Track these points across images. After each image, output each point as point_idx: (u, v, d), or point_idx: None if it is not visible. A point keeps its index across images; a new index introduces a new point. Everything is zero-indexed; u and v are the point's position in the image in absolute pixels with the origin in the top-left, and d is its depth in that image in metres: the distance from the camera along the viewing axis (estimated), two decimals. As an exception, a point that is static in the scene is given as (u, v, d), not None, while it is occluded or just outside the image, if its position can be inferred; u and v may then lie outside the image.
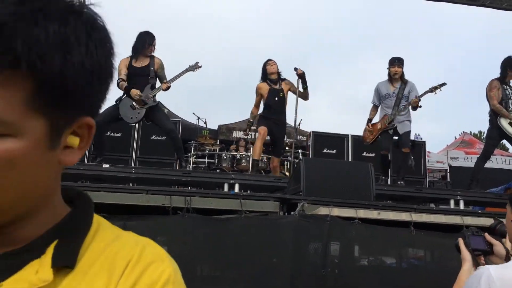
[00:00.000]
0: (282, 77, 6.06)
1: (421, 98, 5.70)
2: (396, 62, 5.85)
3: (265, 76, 5.99)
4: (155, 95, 5.31)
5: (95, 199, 2.74)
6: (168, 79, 5.40)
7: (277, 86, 5.95)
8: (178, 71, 5.53)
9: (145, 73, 5.30)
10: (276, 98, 5.90)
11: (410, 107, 5.76)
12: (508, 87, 5.74)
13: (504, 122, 5.60)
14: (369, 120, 6.03)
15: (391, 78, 5.88)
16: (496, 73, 5.85)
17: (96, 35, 0.56)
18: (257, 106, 6.15)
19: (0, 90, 0.50)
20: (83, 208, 0.64)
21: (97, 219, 0.64)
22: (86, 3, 0.58)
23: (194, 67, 5.53)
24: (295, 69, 5.94)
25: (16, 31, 0.49)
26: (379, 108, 5.97)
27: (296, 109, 6.07)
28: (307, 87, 6.00)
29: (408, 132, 5.79)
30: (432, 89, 5.78)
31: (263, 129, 5.86)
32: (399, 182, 5.69)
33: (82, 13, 0.56)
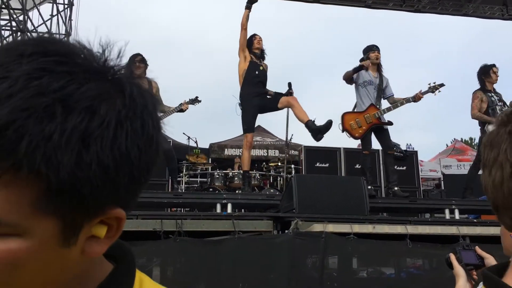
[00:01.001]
0: (264, 56, 5.90)
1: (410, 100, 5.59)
2: (375, 48, 5.71)
3: (250, 47, 5.76)
4: None
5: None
6: (165, 104, 5.64)
7: (258, 61, 5.77)
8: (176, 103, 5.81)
9: None
10: (257, 72, 5.69)
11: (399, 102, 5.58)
12: (493, 94, 5.78)
13: (491, 129, 5.60)
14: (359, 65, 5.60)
15: (370, 65, 5.66)
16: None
17: (131, 124, 0.48)
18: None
19: (1, 192, 0.44)
20: (124, 267, 0.59)
21: (139, 276, 0.60)
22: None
23: (195, 101, 5.84)
24: (289, 85, 5.78)
25: (25, 129, 0.42)
26: (358, 93, 5.65)
27: (287, 125, 6.01)
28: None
29: (388, 132, 5.64)
30: (433, 89, 5.66)
31: (250, 136, 5.63)
32: (396, 189, 5.40)
33: (119, 96, 0.48)
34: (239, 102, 5.65)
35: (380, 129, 5.53)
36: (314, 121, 5.23)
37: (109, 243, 0.52)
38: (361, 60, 5.74)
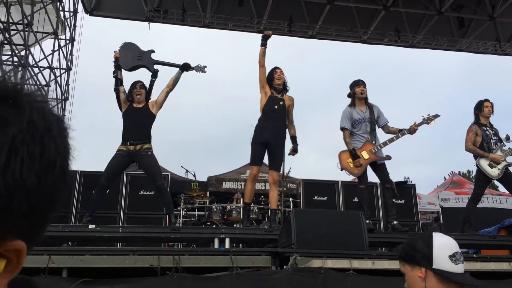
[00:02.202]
0: (287, 89, 5.70)
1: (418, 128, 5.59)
2: (361, 82, 5.68)
3: (271, 82, 5.58)
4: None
5: (80, 264, 2.63)
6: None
7: (280, 96, 5.58)
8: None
9: (141, 113, 5.54)
10: (276, 106, 5.49)
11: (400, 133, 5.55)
12: (488, 128, 5.85)
13: (483, 163, 5.65)
14: (353, 149, 5.45)
15: (357, 101, 5.64)
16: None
17: (28, 149, 0.46)
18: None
19: None
20: None
21: None
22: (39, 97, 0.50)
23: (201, 68, 5.73)
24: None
25: None
26: (351, 133, 5.58)
27: (284, 158, 6.01)
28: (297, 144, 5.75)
29: (385, 166, 5.60)
30: (427, 120, 5.65)
31: (255, 169, 5.47)
32: (395, 223, 5.36)
33: (16, 121, 0.46)
34: (253, 133, 5.52)
35: (378, 164, 5.52)
36: None
37: (8, 278, 0.49)
38: (348, 96, 5.77)
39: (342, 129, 5.60)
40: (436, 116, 5.73)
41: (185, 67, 5.66)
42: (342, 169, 5.55)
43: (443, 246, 1.57)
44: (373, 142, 5.55)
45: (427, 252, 1.56)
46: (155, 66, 5.68)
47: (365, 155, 5.45)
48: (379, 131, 5.75)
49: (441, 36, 11.53)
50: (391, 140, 5.56)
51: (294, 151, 5.63)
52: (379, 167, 5.54)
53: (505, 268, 4.10)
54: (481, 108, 5.89)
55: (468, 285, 1.54)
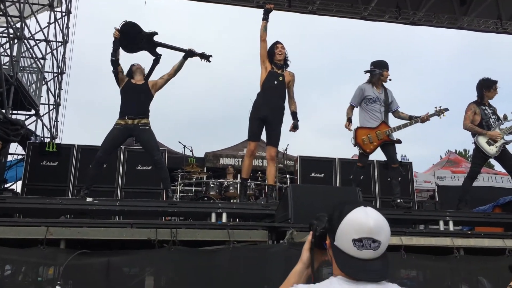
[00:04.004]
0: (288, 64, 5.60)
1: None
2: (387, 66, 5.77)
3: (271, 57, 5.50)
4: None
5: (78, 236, 2.65)
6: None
7: (280, 71, 5.49)
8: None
9: (140, 90, 5.46)
10: (276, 82, 5.41)
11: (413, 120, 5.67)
12: (487, 107, 5.86)
13: (481, 140, 5.70)
14: (349, 119, 5.65)
15: (377, 83, 5.73)
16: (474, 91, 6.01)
17: None
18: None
19: None
20: None
21: None
22: None
23: (205, 57, 5.60)
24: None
25: None
26: (362, 110, 5.69)
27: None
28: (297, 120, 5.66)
29: (395, 147, 5.72)
30: (439, 113, 5.73)
31: (252, 145, 5.42)
32: (399, 201, 5.47)
33: None
34: (251, 109, 5.43)
35: (388, 144, 5.63)
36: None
37: None
38: (369, 72, 5.77)
39: (350, 105, 5.74)
40: (446, 109, 5.80)
41: (190, 53, 5.52)
42: (355, 145, 5.67)
43: (351, 226, 1.34)
44: (387, 124, 5.67)
45: (336, 225, 1.38)
46: (158, 50, 5.53)
47: (380, 135, 5.56)
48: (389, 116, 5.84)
49: (442, 13, 11.39)
50: (405, 125, 5.66)
51: (294, 127, 5.56)
52: (388, 148, 5.64)
53: (499, 245, 4.15)
54: (491, 89, 5.88)
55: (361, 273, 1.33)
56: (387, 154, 5.66)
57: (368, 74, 5.82)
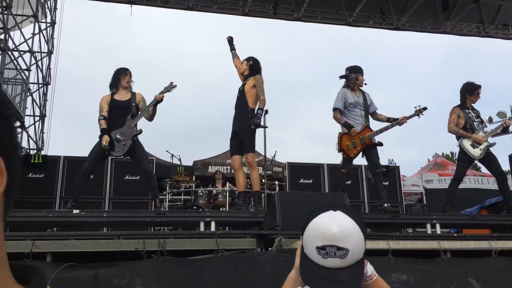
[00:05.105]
0: (254, 71, 5.72)
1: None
2: (362, 71, 5.82)
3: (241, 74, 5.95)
4: (136, 124, 5.31)
5: (64, 248, 2.62)
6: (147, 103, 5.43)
7: (244, 82, 5.75)
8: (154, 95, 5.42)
9: (126, 106, 5.36)
10: (238, 94, 5.70)
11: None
12: (470, 111, 5.96)
13: (466, 143, 5.77)
14: (349, 125, 5.55)
15: (353, 87, 5.75)
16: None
17: None
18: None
19: None
20: None
21: None
22: None
23: (170, 87, 5.43)
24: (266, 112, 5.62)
25: None
26: (344, 115, 5.66)
27: (265, 140, 5.95)
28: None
29: (377, 151, 5.71)
30: (418, 113, 5.75)
31: (233, 159, 5.63)
32: (386, 205, 5.48)
33: None
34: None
35: (370, 148, 5.62)
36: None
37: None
38: (344, 78, 5.81)
39: (335, 109, 5.70)
40: (425, 108, 5.82)
41: (159, 100, 5.37)
42: (339, 151, 5.68)
43: (314, 233, 1.28)
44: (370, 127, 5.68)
45: (303, 231, 1.33)
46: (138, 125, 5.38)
47: (363, 140, 5.57)
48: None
49: (425, 18, 11.55)
50: (386, 128, 5.66)
51: (252, 124, 5.36)
52: (371, 152, 5.63)
53: (485, 247, 4.20)
54: (474, 93, 5.97)
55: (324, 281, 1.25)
56: (370, 160, 5.66)
57: (343, 80, 5.87)
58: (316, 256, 1.26)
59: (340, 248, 1.24)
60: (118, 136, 5.19)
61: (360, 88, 5.85)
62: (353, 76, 5.77)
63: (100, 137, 5.25)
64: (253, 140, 5.50)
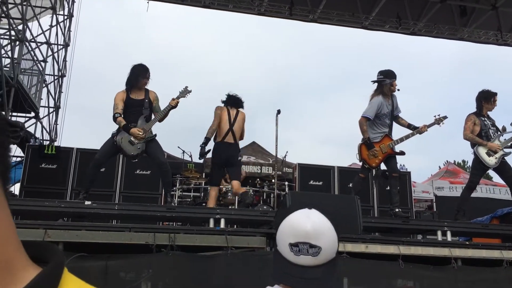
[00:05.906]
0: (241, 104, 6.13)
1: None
2: (395, 75, 5.65)
3: None
4: (151, 127, 5.32)
5: (76, 239, 2.64)
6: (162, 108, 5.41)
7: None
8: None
9: (140, 105, 5.35)
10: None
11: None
12: (486, 119, 5.90)
13: (481, 151, 5.71)
14: (369, 139, 5.49)
15: (388, 93, 5.62)
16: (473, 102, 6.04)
17: None
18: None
19: None
20: (49, 270, 0.56)
21: (68, 278, 0.57)
22: None
23: (185, 92, 5.44)
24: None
25: None
26: (371, 123, 5.58)
27: (277, 143, 5.96)
28: None
29: (396, 158, 5.70)
30: (438, 122, 5.70)
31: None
32: (397, 210, 5.45)
33: None
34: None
35: (391, 156, 5.60)
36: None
37: None
38: (377, 82, 5.67)
39: (365, 117, 5.57)
40: (445, 117, 5.78)
41: (172, 107, 5.42)
42: (361, 160, 5.64)
43: (288, 229, 1.27)
44: (391, 136, 5.64)
45: (276, 229, 1.30)
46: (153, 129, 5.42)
47: (383, 148, 5.53)
48: None
49: (442, 24, 11.45)
50: (407, 137, 5.62)
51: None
52: (391, 159, 5.61)
53: (496, 256, 4.15)
54: (490, 101, 5.91)
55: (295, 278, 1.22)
56: (388, 165, 5.64)
57: (376, 84, 5.70)
58: (289, 253, 1.25)
59: (313, 245, 1.24)
60: (132, 139, 5.20)
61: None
62: (388, 82, 5.61)
63: (114, 134, 5.26)
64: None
